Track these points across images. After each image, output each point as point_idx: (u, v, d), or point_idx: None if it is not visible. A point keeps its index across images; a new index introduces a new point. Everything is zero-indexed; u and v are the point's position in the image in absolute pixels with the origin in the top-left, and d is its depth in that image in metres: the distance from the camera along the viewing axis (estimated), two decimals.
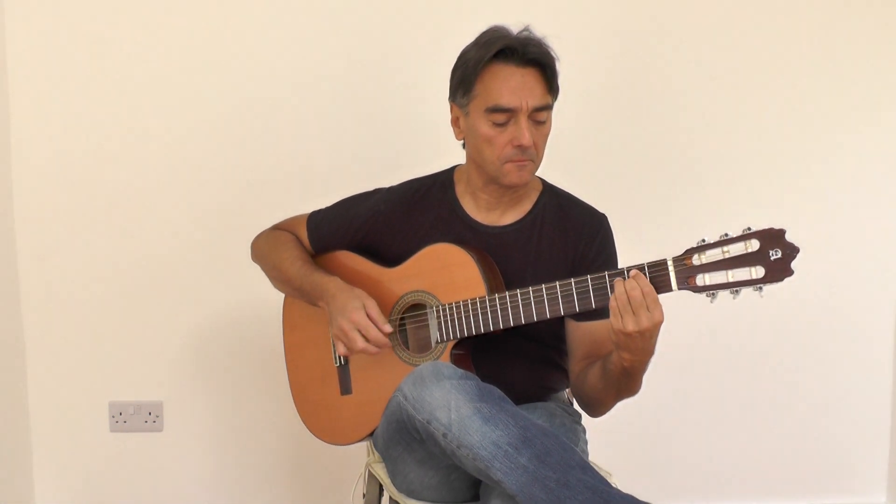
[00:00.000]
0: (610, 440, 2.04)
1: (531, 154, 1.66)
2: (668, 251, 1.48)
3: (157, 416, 2.50)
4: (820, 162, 2.51)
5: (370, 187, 1.89)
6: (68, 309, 2.46)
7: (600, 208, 1.80)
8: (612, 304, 1.47)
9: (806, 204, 2.51)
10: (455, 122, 1.74)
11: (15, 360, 2.44)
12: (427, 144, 2.32)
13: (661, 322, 1.46)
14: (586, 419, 1.83)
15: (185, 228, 2.45)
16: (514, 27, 1.68)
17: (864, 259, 2.55)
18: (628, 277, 1.47)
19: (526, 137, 1.63)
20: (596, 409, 1.71)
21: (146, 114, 2.41)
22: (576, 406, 1.89)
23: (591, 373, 1.65)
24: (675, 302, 1.56)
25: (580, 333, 1.71)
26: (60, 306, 2.45)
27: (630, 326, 1.45)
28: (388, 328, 1.66)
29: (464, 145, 1.76)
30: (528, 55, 1.63)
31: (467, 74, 1.66)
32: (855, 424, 2.61)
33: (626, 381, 1.58)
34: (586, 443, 1.79)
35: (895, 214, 2.54)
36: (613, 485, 1.49)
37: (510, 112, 1.63)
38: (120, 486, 2.53)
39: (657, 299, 1.46)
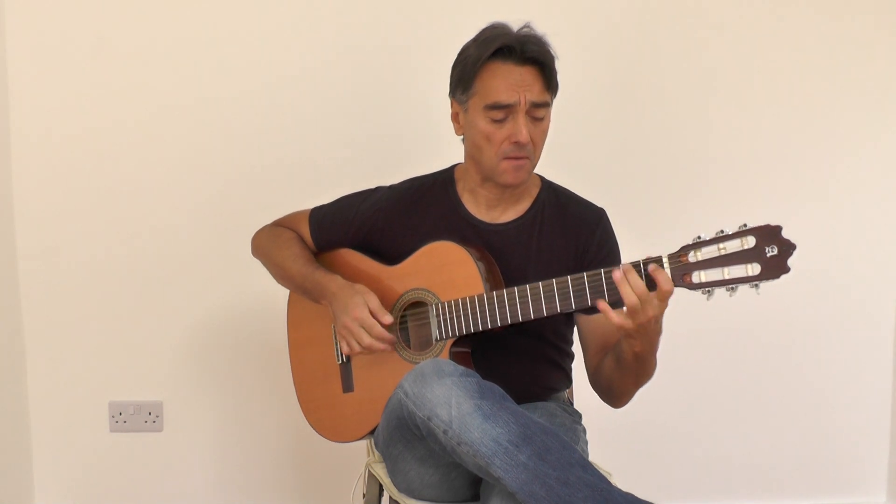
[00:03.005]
0: (610, 440, 2.04)
1: (528, 151, 1.66)
2: (664, 248, 1.47)
3: (157, 416, 2.50)
4: (818, 159, 2.51)
5: (371, 185, 1.89)
6: (68, 308, 2.46)
7: (597, 204, 1.80)
8: (610, 311, 1.47)
9: (804, 201, 2.51)
10: (455, 117, 1.74)
11: (15, 360, 2.44)
12: (428, 143, 2.32)
13: (671, 293, 1.45)
14: (587, 419, 1.83)
15: (185, 227, 2.45)
16: (516, 24, 1.68)
17: (864, 257, 2.55)
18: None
19: (523, 134, 1.63)
20: (619, 398, 1.71)
21: (146, 112, 2.41)
22: (576, 406, 1.89)
23: (606, 365, 1.66)
24: (672, 300, 1.56)
25: (592, 326, 1.72)
26: (60, 305, 2.46)
27: (641, 319, 1.46)
28: (387, 319, 1.66)
29: (463, 141, 1.76)
30: (527, 53, 1.64)
31: (466, 72, 1.67)
32: (855, 424, 2.61)
33: (640, 366, 1.58)
34: (586, 443, 1.78)
35: (895, 213, 2.55)
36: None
37: (508, 108, 1.64)
38: (120, 486, 2.52)
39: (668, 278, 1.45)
